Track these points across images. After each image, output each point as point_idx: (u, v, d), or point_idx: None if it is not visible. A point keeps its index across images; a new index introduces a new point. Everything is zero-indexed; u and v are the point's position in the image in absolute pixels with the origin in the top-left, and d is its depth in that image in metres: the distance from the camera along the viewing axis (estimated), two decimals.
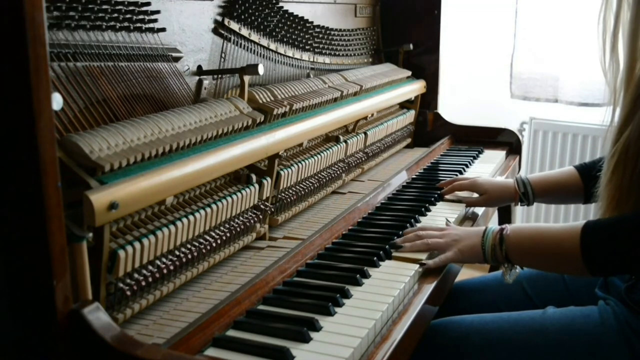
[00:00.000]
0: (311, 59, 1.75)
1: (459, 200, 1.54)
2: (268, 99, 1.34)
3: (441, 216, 1.41)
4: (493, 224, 1.37)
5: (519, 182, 1.50)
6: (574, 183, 1.44)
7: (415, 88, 2.13)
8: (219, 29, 1.35)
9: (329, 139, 1.60)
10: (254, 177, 1.19)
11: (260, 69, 1.24)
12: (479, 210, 1.55)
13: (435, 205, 1.50)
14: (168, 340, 0.85)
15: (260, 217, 1.23)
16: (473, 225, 1.47)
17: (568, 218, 2.84)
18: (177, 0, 1.22)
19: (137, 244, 0.90)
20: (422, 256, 1.18)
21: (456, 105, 2.62)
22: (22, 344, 0.79)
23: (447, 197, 1.55)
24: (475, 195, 1.54)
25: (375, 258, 1.14)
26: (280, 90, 1.39)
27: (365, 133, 1.74)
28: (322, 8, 1.81)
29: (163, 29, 1.17)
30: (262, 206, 1.23)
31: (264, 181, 1.22)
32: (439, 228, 1.25)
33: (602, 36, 1.16)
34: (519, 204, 1.52)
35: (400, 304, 1.03)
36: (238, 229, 1.15)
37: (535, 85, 2.73)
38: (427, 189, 1.62)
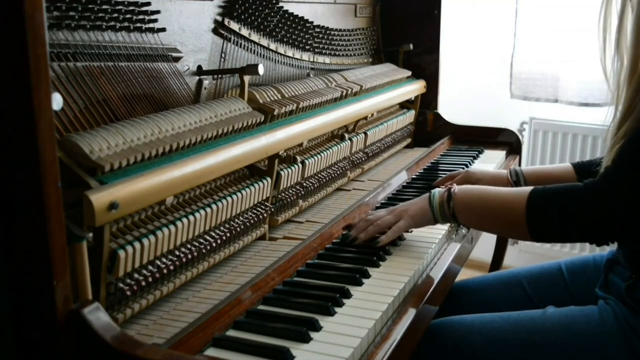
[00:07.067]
0: (311, 59, 1.75)
1: None
2: (268, 99, 1.34)
3: None
4: None
5: (512, 171, 1.53)
6: (568, 178, 1.45)
7: (415, 88, 2.13)
8: (219, 29, 1.35)
9: (331, 138, 1.60)
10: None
11: (260, 69, 1.24)
12: None
13: None
14: (168, 340, 0.85)
15: (261, 217, 1.23)
16: None
17: None
18: (177, 0, 1.22)
19: (137, 244, 0.90)
20: None
21: (456, 106, 2.61)
22: (22, 344, 0.79)
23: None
24: None
25: (375, 258, 1.14)
26: (280, 90, 1.39)
27: (365, 133, 1.74)
28: (322, 8, 1.81)
29: (163, 29, 1.17)
30: (262, 206, 1.23)
31: (264, 181, 1.22)
32: (386, 209, 1.27)
33: (603, 34, 1.17)
34: None
35: (400, 303, 1.03)
36: (238, 229, 1.15)
37: (535, 85, 2.73)
38: (427, 188, 1.61)
